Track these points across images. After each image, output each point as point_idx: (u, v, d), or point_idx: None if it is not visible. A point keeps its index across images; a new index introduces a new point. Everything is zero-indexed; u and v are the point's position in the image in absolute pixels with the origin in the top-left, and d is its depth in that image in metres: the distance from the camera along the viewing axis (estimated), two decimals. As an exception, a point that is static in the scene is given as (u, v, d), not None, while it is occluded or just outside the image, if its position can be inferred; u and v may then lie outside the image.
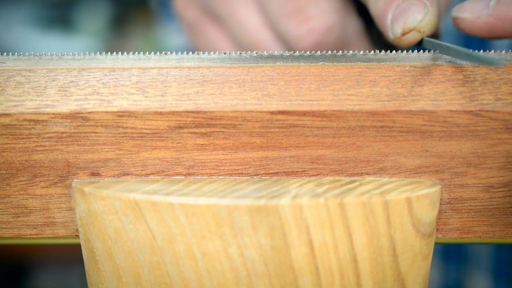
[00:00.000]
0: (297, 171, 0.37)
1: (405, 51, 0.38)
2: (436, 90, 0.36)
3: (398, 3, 0.42)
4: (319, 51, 0.39)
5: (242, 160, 0.37)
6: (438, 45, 0.38)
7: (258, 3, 0.50)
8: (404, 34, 0.41)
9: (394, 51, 0.38)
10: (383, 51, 0.38)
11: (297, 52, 0.39)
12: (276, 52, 0.39)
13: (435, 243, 0.38)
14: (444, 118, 0.36)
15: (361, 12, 0.49)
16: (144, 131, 0.36)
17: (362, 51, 0.39)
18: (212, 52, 0.38)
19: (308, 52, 0.39)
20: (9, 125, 0.36)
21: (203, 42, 0.55)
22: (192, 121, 0.36)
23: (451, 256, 0.70)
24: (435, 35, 0.42)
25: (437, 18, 0.41)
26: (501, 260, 0.67)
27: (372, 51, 0.38)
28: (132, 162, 0.37)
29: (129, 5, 1.76)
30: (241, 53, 0.38)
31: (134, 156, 0.37)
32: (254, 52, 0.39)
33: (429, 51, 0.38)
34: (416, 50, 0.38)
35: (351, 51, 0.39)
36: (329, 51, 0.39)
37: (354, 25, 0.49)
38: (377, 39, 0.49)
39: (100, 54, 0.38)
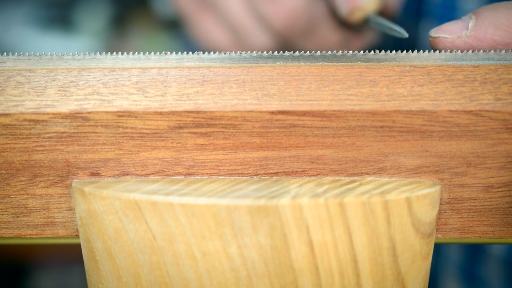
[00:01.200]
0: (297, 171, 0.37)
1: (405, 51, 0.38)
2: (436, 90, 0.36)
3: None
4: (319, 51, 0.39)
5: (242, 160, 0.37)
6: (376, 22, 0.49)
7: None
8: (352, 11, 0.52)
9: (394, 51, 0.38)
10: (383, 51, 0.38)
11: (297, 52, 0.39)
12: (276, 52, 0.39)
13: (435, 243, 0.38)
14: (444, 118, 0.36)
15: None
16: (144, 131, 0.36)
17: (362, 51, 0.39)
18: (212, 52, 0.38)
19: (308, 52, 0.39)
20: (9, 125, 0.36)
21: (199, 30, 0.61)
22: (192, 121, 0.36)
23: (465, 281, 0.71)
24: (387, 15, 0.54)
25: (378, 0, 0.52)
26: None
27: (372, 51, 0.38)
28: (132, 162, 0.37)
29: (129, 5, 1.76)
30: (241, 53, 0.38)
31: (134, 156, 0.37)
32: (254, 52, 0.39)
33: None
34: (416, 50, 0.39)
35: (351, 51, 0.39)
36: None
37: (321, 7, 0.57)
38: (338, 19, 0.58)
39: (100, 54, 0.38)
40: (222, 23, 0.59)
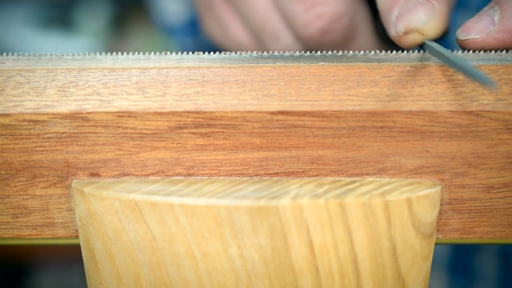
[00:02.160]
0: (297, 172, 0.37)
1: (405, 51, 0.38)
2: (436, 90, 0.36)
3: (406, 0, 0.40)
4: (319, 52, 0.39)
5: (242, 161, 0.37)
6: (438, 53, 0.37)
7: None
8: (406, 33, 0.39)
9: (394, 51, 0.38)
10: (383, 51, 0.38)
11: (297, 52, 0.39)
12: (276, 52, 0.39)
13: (436, 244, 0.38)
14: (445, 119, 0.36)
15: (369, 2, 0.49)
16: (144, 131, 0.36)
17: (362, 52, 0.39)
18: (212, 52, 0.38)
19: (308, 52, 0.39)
20: (9, 125, 0.36)
21: (214, 21, 0.54)
22: (192, 121, 0.36)
23: (457, 271, 0.70)
24: (440, 35, 0.40)
25: (444, 22, 0.40)
26: (506, 281, 0.67)
27: (373, 51, 0.38)
28: (132, 162, 0.37)
29: (129, 5, 1.76)
30: (241, 53, 0.38)
31: (134, 157, 0.37)
32: (254, 52, 0.39)
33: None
34: (416, 51, 0.38)
35: (351, 51, 0.39)
36: (329, 51, 0.39)
37: (362, 14, 0.48)
38: (382, 32, 0.48)
39: (100, 54, 0.38)
40: (244, 22, 0.52)
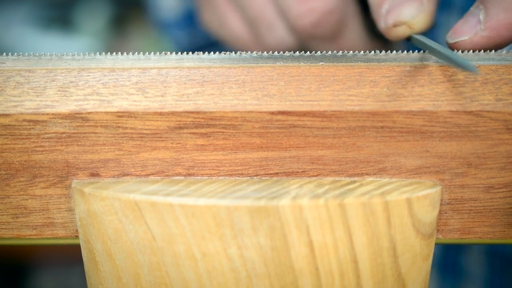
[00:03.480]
0: (297, 172, 0.37)
1: (405, 51, 0.38)
2: (436, 90, 0.36)
3: None
4: (319, 52, 0.39)
5: (242, 161, 0.37)
6: (425, 45, 0.38)
7: None
8: (395, 26, 0.42)
9: (394, 51, 0.38)
10: (383, 51, 0.38)
11: (297, 52, 0.39)
12: (276, 52, 0.39)
13: (436, 244, 0.38)
14: (445, 119, 0.36)
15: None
16: (144, 131, 0.36)
17: (362, 52, 0.39)
18: (212, 52, 0.38)
19: (308, 52, 0.39)
20: (9, 125, 0.36)
21: (213, 13, 0.56)
22: (192, 121, 0.36)
23: (447, 271, 0.71)
24: (426, 30, 0.43)
25: (431, 17, 0.42)
26: (494, 280, 0.67)
27: (373, 51, 0.38)
28: (132, 162, 0.37)
29: (129, 5, 1.76)
30: (241, 53, 0.38)
31: (134, 157, 0.37)
32: (254, 52, 0.39)
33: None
34: (417, 51, 0.38)
35: (351, 52, 0.39)
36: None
37: (352, 9, 0.50)
38: (370, 26, 0.50)
39: (100, 54, 0.38)
40: (241, 13, 0.54)
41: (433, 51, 0.37)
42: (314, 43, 0.51)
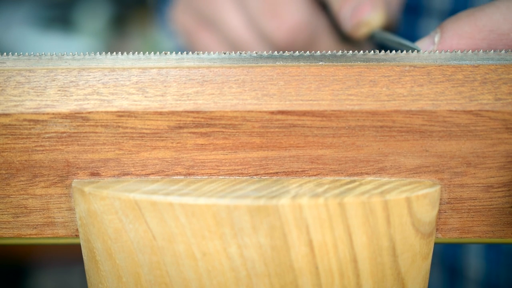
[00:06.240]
0: (297, 171, 0.37)
1: (404, 51, 0.38)
2: (435, 90, 0.36)
3: (353, 1, 0.52)
4: (318, 51, 0.39)
5: (242, 160, 0.37)
6: (383, 37, 0.47)
7: (241, 4, 0.56)
8: (358, 26, 0.51)
9: (394, 51, 0.38)
10: (382, 51, 0.38)
11: (297, 52, 0.39)
12: (276, 52, 0.39)
13: (435, 243, 0.38)
14: (444, 118, 0.36)
15: (326, 9, 0.57)
16: (144, 131, 0.36)
17: (362, 52, 0.39)
18: (212, 52, 0.38)
19: (308, 52, 0.39)
20: (9, 125, 0.36)
21: (198, 47, 0.61)
22: (192, 121, 0.36)
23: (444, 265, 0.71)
24: (389, 29, 0.53)
25: (384, 14, 0.52)
26: (491, 275, 0.68)
27: (372, 51, 0.38)
28: (132, 162, 0.37)
29: (129, 5, 1.76)
30: (241, 53, 0.38)
31: (134, 156, 0.37)
32: (254, 52, 0.39)
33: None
34: (416, 51, 0.38)
35: (350, 51, 0.39)
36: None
37: (322, 21, 0.57)
38: (339, 33, 0.57)
39: (100, 54, 0.38)
40: (222, 40, 0.59)
41: (391, 40, 0.46)
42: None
